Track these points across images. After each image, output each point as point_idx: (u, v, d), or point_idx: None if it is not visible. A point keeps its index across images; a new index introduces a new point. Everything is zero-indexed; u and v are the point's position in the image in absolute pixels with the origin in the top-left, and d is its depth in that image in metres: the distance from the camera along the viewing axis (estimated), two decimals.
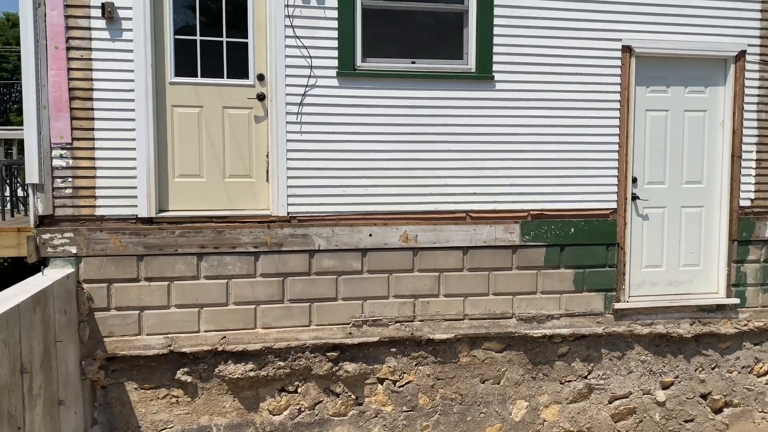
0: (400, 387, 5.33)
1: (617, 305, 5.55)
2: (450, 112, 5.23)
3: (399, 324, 5.29)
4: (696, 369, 5.82)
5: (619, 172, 5.51)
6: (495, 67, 5.23)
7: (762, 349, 5.95)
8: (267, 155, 5.03)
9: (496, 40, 5.22)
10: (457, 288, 5.36)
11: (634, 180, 5.61)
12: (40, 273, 4.55)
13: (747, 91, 5.68)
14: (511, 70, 5.28)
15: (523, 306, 5.45)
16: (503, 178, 5.36)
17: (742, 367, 5.92)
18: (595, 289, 5.55)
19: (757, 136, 5.74)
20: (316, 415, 5.22)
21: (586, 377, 5.59)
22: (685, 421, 5.82)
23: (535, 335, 5.43)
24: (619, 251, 5.57)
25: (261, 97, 4.98)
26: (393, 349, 5.30)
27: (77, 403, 4.63)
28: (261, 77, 4.98)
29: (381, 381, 5.31)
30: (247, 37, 4.96)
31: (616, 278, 5.57)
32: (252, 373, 5.02)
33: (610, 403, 5.66)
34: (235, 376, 5.00)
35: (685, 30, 5.52)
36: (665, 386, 5.76)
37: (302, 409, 5.19)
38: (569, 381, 5.57)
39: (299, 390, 5.19)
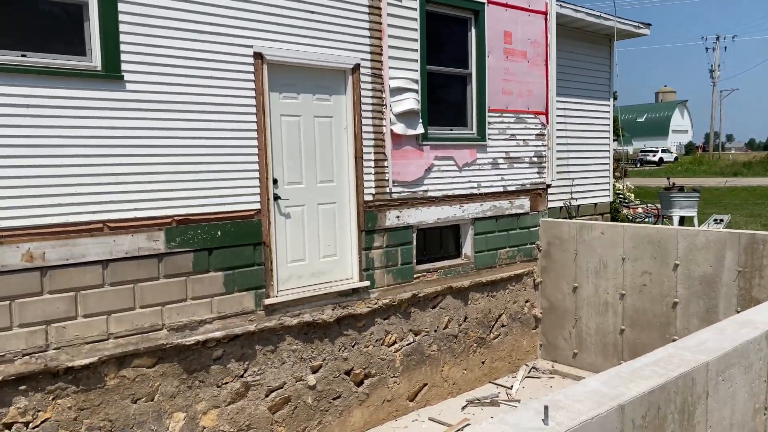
0: (34, 428, 4.63)
1: (267, 301, 5.79)
2: (76, 113, 4.72)
3: (28, 357, 4.58)
4: (340, 349, 6.45)
5: (260, 174, 5.74)
6: (125, 66, 4.91)
7: (390, 322, 6.91)
8: None
9: (124, 38, 4.89)
10: (98, 306, 4.89)
11: (275, 181, 5.91)
12: None
13: (363, 100, 6.50)
14: (144, 71, 5.02)
15: (174, 315, 5.26)
16: (143, 183, 5.08)
17: (376, 341, 6.78)
18: (245, 288, 5.69)
19: (374, 139, 6.62)
20: None
21: (242, 376, 5.70)
22: (334, 399, 6.41)
23: (188, 343, 5.31)
24: (265, 249, 5.81)
25: None
26: (22, 387, 4.57)
27: None
28: None
29: (8, 426, 4.53)
30: None
31: (264, 275, 5.81)
32: None
33: (266, 396, 5.88)
34: None
35: (310, 42, 6.02)
36: (315, 370, 6.25)
37: None
38: (226, 383, 5.60)
39: None
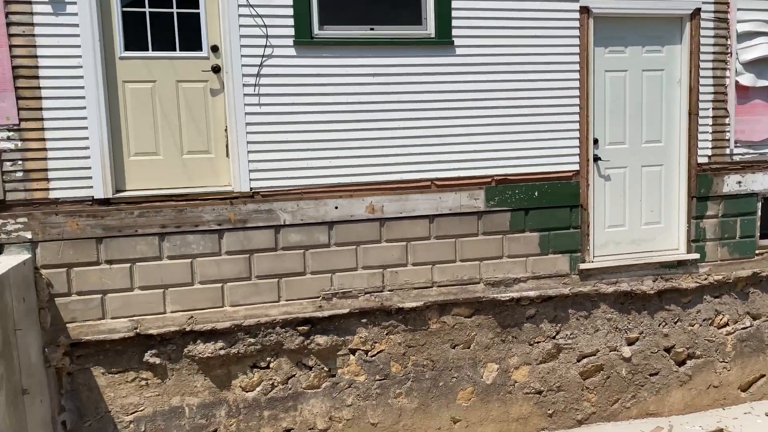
0: (372, 357, 5.35)
1: (582, 266, 5.64)
2: (411, 78, 5.16)
3: (369, 295, 5.28)
4: (659, 324, 5.97)
5: (581, 134, 5.55)
6: (454, 32, 5.17)
7: (722, 302, 6.13)
8: (226, 129, 4.90)
9: (454, 4, 5.14)
10: (424, 256, 5.37)
11: (596, 141, 5.65)
12: None
13: (702, 49, 5.74)
14: (471, 35, 5.22)
15: (490, 270, 5.49)
16: (466, 144, 5.34)
17: (703, 320, 6.09)
18: (560, 250, 5.62)
19: (713, 93, 5.82)
20: (290, 389, 5.21)
21: (554, 337, 5.69)
22: (651, 375, 5.99)
23: (502, 299, 5.49)
24: (582, 212, 5.63)
25: (216, 70, 4.83)
26: (364, 320, 5.30)
27: (42, 391, 4.52)
28: (215, 49, 4.82)
29: (353, 352, 5.32)
30: (198, 7, 4.78)
31: (580, 239, 5.65)
32: (222, 352, 4.97)
33: (578, 361, 5.78)
34: (205, 356, 4.94)
35: None
36: (631, 342, 5.90)
37: (275, 384, 5.17)
38: (538, 342, 5.66)
39: (271, 365, 5.16)
